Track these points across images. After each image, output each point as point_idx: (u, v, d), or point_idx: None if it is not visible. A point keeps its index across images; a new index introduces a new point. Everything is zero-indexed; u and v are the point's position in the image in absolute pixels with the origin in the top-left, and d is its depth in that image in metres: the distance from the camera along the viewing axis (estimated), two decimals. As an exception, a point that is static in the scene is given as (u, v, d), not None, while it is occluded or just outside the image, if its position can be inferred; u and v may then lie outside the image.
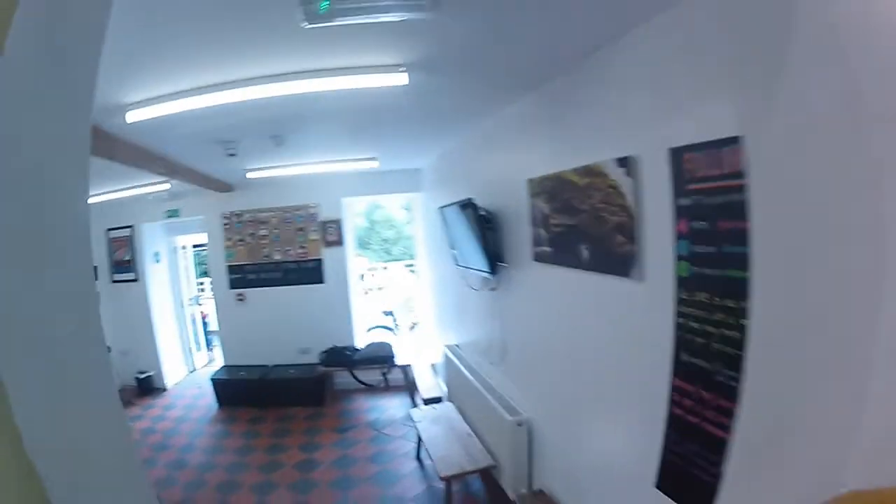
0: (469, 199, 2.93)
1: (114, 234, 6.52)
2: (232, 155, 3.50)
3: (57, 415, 0.65)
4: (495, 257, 2.92)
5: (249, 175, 4.76)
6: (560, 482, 2.55)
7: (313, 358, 5.65)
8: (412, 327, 7.22)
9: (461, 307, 4.14)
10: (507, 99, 2.64)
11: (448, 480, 3.04)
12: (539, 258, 2.47)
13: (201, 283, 8.11)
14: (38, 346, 0.63)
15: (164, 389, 6.44)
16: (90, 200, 4.12)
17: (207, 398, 5.90)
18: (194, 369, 7.27)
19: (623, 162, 1.67)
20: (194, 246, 7.72)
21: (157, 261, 6.78)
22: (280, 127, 3.05)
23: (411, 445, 4.17)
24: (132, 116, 2.31)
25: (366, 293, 7.43)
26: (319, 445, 4.46)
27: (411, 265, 8.00)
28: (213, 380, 5.77)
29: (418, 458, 4.00)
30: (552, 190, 2.25)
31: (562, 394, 2.42)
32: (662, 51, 1.49)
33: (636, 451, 1.76)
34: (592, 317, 2.03)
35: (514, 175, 2.66)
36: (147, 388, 6.33)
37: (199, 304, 7.84)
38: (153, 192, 5.34)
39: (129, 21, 1.38)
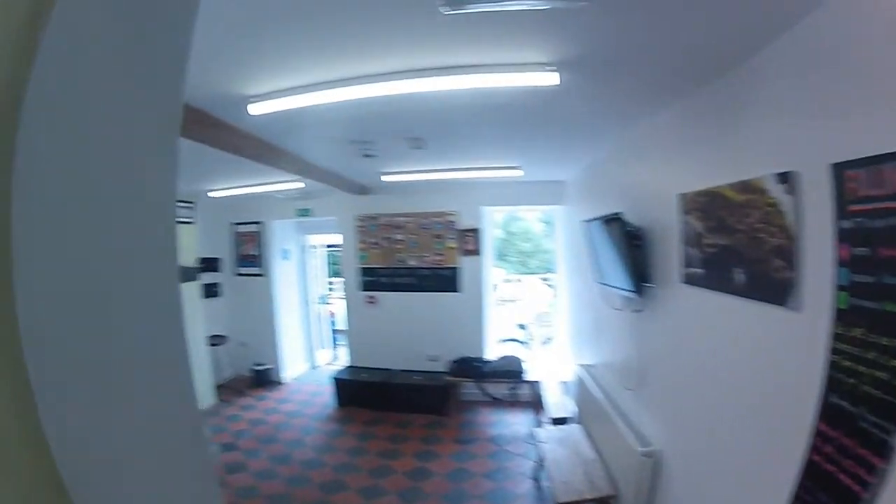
0: (616, 214, 3.00)
1: (241, 228, 7.30)
2: (368, 156, 3.66)
3: (108, 429, 0.61)
4: (641, 277, 2.94)
5: (385, 178, 5.13)
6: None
7: (441, 366, 5.96)
8: (545, 342, 7.32)
9: (599, 326, 4.17)
10: (661, 102, 2.62)
11: (563, 506, 3.12)
12: (689, 280, 2.46)
13: (332, 283, 8.78)
14: (95, 352, 0.60)
15: (281, 383, 7.06)
16: (216, 194, 5.03)
17: (325, 396, 6.38)
18: (316, 366, 7.87)
19: (783, 178, 1.66)
20: (327, 246, 8.36)
21: (286, 258, 7.45)
22: (419, 129, 3.18)
23: (530, 465, 4.28)
24: (255, 109, 2.38)
25: (500, 304, 7.70)
26: (436, 455, 4.68)
27: (547, 279, 8.10)
28: (334, 378, 6.26)
29: (536, 478, 4.10)
30: (706, 206, 2.26)
31: (695, 427, 2.41)
32: (828, 49, 1.46)
33: (763, 499, 1.73)
34: (740, 347, 2.01)
35: (664, 189, 2.68)
36: (263, 380, 6.98)
37: (328, 303, 8.48)
38: (285, 190, 5.88)
39: (254, 8, 1.48)
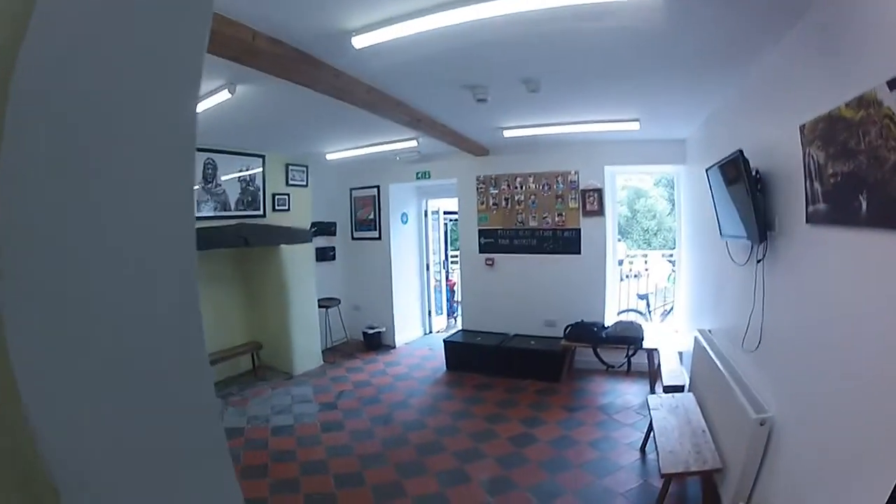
0: (738, 151, 2.87)
1: (358, 193, 7.72)
2: (482, 100, 3.68)
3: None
4: (764, 222, 2.81)
5: (506, 133, 5.23)
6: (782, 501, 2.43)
7: (558, 332, 6.02)
8: (665, 314, 7.09)
9: (720, 286, 4.02)
10: (770, 31, 2.50)
11: (669, 478, 3.10)
12: (812, 219, 2.32)
13: (454, 256, 8.96)
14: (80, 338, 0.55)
15: (393, 347, 7.44)
16: (333, 156, 5.58)
17: (436, 361, 6.64)
18: (430, 332, 8.21)
19: (894, 84, 1.56)
20: (445, 213, 8.63)
21: (405, 222, 7.77)
22: (530, 66, 3.22)
23: (638, 435, 4.26)
24: (359, 41, 2.37)
25: (623, 280, 7.57)
26: (543, 422, 4.74)
27: (670, 255, 7.85)
28: (445, 341, 6.50)
29: (643, 449, 4.07)
30: (825, 134, 2.12)
31: (814, 393, 2.25)
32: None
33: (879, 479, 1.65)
34: (858, 288, 1.89)
35: (784, 124, 2.53)
36: (374, 343, 7.41)
37: (447, 271, 8.80)
38: (402, 150, 6.11)
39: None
